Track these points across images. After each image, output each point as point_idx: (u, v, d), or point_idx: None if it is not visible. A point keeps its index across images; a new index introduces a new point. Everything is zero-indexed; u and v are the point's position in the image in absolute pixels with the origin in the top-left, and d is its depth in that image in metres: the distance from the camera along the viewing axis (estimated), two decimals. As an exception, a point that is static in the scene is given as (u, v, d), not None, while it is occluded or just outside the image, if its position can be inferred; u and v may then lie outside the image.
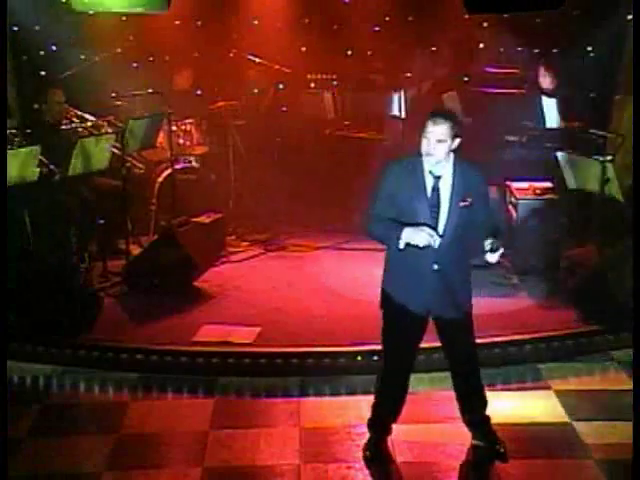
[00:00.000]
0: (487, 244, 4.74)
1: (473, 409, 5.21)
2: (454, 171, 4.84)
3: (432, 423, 5.53)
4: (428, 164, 4.81)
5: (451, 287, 4.92)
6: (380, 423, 5.22)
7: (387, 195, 4.86)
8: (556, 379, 6.10)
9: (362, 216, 5.10)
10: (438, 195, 4.82)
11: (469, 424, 5.24)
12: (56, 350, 6.46)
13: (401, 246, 4.72)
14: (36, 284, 6.66)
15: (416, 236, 4.69)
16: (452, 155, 4.83)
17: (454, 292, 4.95)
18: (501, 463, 5.03)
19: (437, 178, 4.83)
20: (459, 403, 5.23)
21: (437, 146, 4.73)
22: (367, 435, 5.24)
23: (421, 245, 4.70)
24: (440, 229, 4.82)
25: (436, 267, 4.84)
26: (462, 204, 4.82)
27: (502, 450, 5.10)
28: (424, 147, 4.77)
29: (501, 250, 4.73)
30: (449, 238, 4.81)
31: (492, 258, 4.75)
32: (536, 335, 6.48)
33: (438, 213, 4.82)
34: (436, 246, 4.77)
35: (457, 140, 4.79)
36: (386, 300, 5.02)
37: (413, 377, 5.95)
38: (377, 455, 5.16)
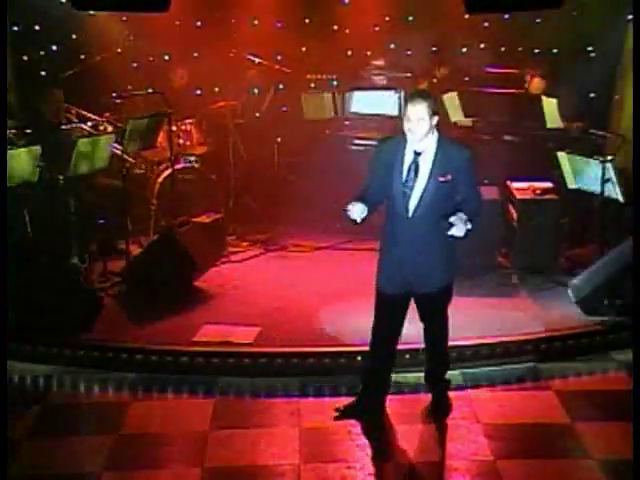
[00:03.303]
0: (453, 218, 4.98)
1: (436, 370, 5.68)
2: (437, 148, 5.15)
3: (432, 423, 5.53)
4: (411, 142, 5.13)
5: (428, 260, 5.22)
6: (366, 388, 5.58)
7: (374, 169, 5.30)
8: (556, 379, 6.10)
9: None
10: (416, 169, 5.14)
11: (429, 381, 5.72)
12: (56, 350, 6.46)
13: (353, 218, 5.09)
14: (36, 284, 6.66)
15: (350, 211, 5.07)
16: (436, 133, 5.17)
17: (430, 266, 5.24)
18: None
19: (417, 154, 5.15)
20: (426, 367, 5.73)
21: (418, 124, 5.06)
22: (367, 430, 5.34)
23: (356, 219, 5.07)
24: (414, 202, 5.15)
25: (408, 239, 5.18)
26: (441, 179, 5.12)
27: (447, 408, 5.59)
28: (406, 127, 5.11)
29: (468, 226, 4.99)
30: (423, 210, 5.14)
31: (456, 232, 5.00)
32: (536, 335, 6.48)
33: (413, 187, 5.13)
34: (410, 215, 5.15)
35: (435, 118, 5.12)
36: (377, 272, 5.40)
37: (413, 377, 6.00)
38: (358, 413, 5.51)
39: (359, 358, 6.16)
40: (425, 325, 5.55)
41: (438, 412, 5.59)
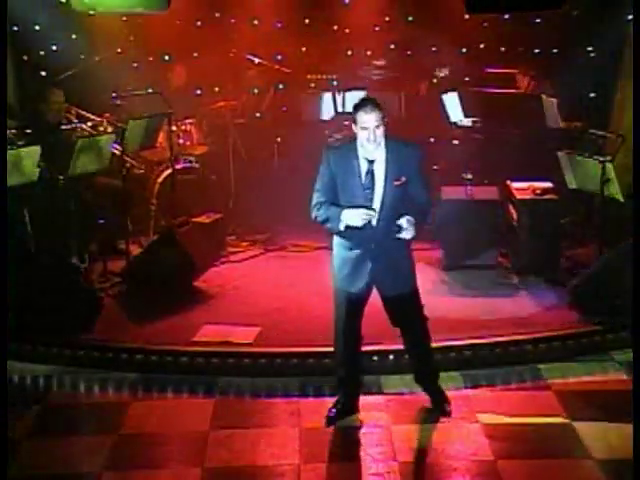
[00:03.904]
0: (401, 221, 4.98)
1: (423, 373, 5.63)
2: (387, 153, 5.11)
3: (432, 423, 5.53)
4: (367, 151, 5.08)
5: (393, 264, 5.23)
6: (344, 387, 5.58)
7: (327, 181, 5.19)
8: (556, 379, 6.10)
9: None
10: (372, 177, 5.12)
11: (420, 383, 5.67)
12: (56, 350, 6.46)
13: (341, 227, 5.08)
14: (36, 284, 6.66)
15: (353, 216, 5.02)
16: (384, 138, 5.10)
17: (396, 268, 5.26)
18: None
19: (371, 162, 5.11)
20: (413, 369, 5.68)
21: (377, 132, 5.03)
22: (367, 431, 5.35)
23: (359, 225, 5.03)
24: (375, 209, 5.12)
25: (374, 246, 5.15)
26: (397, 183, 5.12)
27: (448, 409, 5.55)
28: (366, 137, 5.04)
29: (412, 230, 4.98)
30: (385, 217, 5.11)
31: (405, 234, 5.00)
32: (536, 335, 6.48)
33: (373, 195, 5.12)
34: (374, 223, 5.10)
35: (385, 120, 5.08)
36: (334, 279, 5.36)
37: (412, 378, 5.99)
38: (340, 416, 5.49)
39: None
40: (402, 329, 5.51)
41: (438, 411, 5.58)
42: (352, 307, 5.36)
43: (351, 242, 5.20)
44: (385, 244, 5.15)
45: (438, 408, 5.59)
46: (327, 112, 9.97)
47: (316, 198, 5.21)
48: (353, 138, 5.15)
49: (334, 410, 5.52)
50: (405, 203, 5.12)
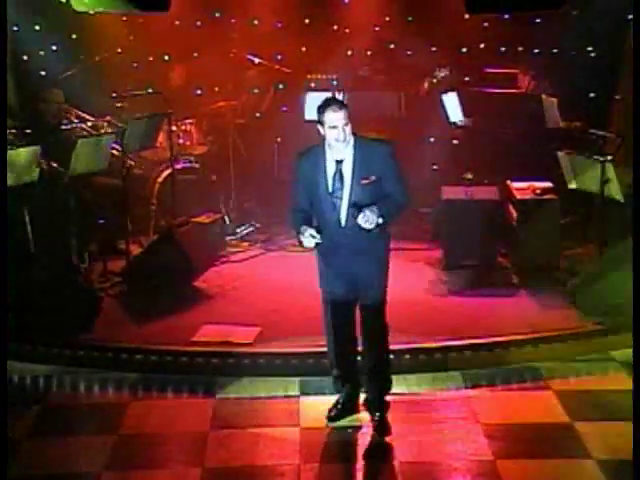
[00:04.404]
0: (365, 209, 4.88)
1: (373, 387, 5.44)
2: (354, 152, 5.05)
3: (432, 423, 5.53)
4: (336, 151, 5.04)
5: (367, 266, 5.14)
6: (341, 387, 5.53)
7: (300, 185, 5.19)
8: (556, 379, 6.10)
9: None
10: (341, 178, 5.06)
11: (367, 400, 5.47)
12: (56, 350, 6.46)
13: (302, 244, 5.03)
14: (36, 284, 6.66)
15: (302, 238, 4.99)
16: (352, 137, 5.05)
17: (370, 271, 5.16)
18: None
19: (339, 162, 5.06)
20: (364, 379, 5.48)
21: (346, 130, 4.99)
22: (367, 430, 5.33)
23: (311, 246, 5.00)
24: (344, 210, 5.07)
25: (344, 248, 5.08)
26: (364, 182, 5.03)
27: (384, 433, 5.28)
28: (335, 136, 4.99)
29: (379, 220, 4.88)
30: (354, 218, 4.97)
31: (362, 221, 4.88)
32: (536, 335, 6.48)
33: (341, 196, 5.05)
34: (343, 223, 5.06)
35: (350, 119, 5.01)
36: (321, 281, 5.35)
37: (413, 377, 6.00)
38: (340, 416, 5.43)
39: (358, 358, 6.15)
40: (363, 336, 5.41)
41: (378, 432, 5.33)
42: (335, 308, 5.33)
43: (325, 243, 5.11)
44: (355, 245, 5.09)
45: (376, 426, 5.35)
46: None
47: (292, 205, 5.23)
48: (323, 142, 5.09)
49: (334, 410, 5.51)
50: (378, 202, 5.02)
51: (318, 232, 5.00)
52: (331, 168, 5.09)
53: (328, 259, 5.24)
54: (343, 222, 5.10)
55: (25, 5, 8.69)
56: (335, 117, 4.97)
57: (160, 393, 6.06)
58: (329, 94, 9.46)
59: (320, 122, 5.05)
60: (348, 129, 5.01)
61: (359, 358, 5.54)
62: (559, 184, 7.80)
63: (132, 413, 5.75)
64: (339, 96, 9.64)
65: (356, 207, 4.99)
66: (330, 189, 5.08)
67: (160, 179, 8.69)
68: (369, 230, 4.94)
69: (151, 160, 8.95)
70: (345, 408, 5.52)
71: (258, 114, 10.00)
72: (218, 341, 6.49)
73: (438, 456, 5.16)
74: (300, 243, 5.08)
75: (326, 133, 5.03)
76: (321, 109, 5.04)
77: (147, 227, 8.61)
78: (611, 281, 6.74)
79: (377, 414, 5.36)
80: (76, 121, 8.31)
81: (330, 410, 5.51)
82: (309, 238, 4.97)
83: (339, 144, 5.01)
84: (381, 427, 5.32)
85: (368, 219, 4.89)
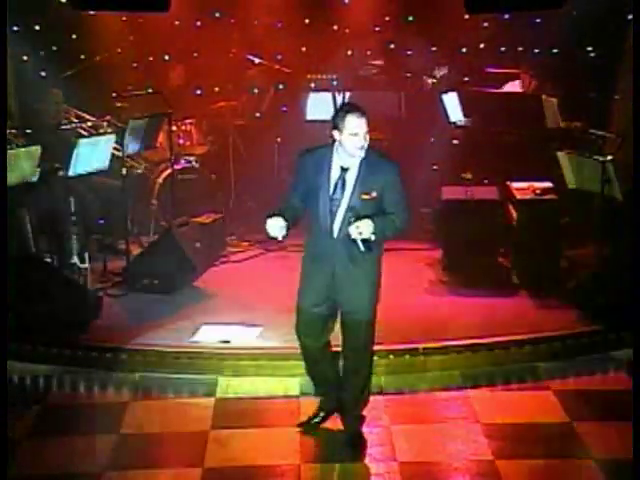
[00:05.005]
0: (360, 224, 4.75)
1: (347, 399, 5.27)
2: (361, 164, 4.89)
3: (432, 423, 5.53)
4: (344, 157, 4.87)
5: (355, 281, 4.97)
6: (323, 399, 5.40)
7: (298, 182, 5.02)
8: (556, 379, 6.10)
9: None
10: (343, 186, 4.91)
11: (341, 411, 5.31)
12: (56, 350, 6.46)
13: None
14: (36, 284, 6.66)
15: (269, 221, 4.81)
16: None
17: (358, 286, 4.98)
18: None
19: (344, 170, 4.90)
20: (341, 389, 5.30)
21: (366, 137, 4.82)
22: (367, 431, 5.32)
23: (276, 235, 4.82)
24: (339, 220, 4.91)
25: (334, 260, 4.94)
26: (365, 197, 4.88)
27: (355, 446, 5.16)
28: (357, 144, 4.81)
29: (372, 236, 4.76)
30: (349, 223, 4.82)
31: (354, 232, 4.76)
32: (536, 335, 6.48)
33: (339, 205, 4.90)
34: (335, 235, 4.91)
35: None
36: (301, 292, 5.16)
37: (413, 377, 5.99)
38: (314, 426, 5.35)
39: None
40: (343, 351, 5.22)
41: (351, 447, 5.19)
42: (305, 323, 5.13)
43: (314, 252, 5.04)
44: (347, 259, 4.94)
45: (351, 444, 5.22)
46: (327, 111, 9.96)
47: (287, 194, 5.08)
48: (330, 143, 4.93)
49: (314, 419, 5.40)
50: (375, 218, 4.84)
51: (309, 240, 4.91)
52: (335, 173, 4.91)
53: (315, 269, 5.05)
54: (336, 233, 4.93)
55: (25, 5, 8.68)
56: (358, 123, 4.77)
57: (160, 393, 6.06)
58: (331, 94, 9.57)
59: (337, 127, 4.83)
60: (368, 137, 4.82)
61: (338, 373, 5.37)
62: (559, 184, 7.80)
63: (132, 413, 5.75)
64: (339, 96, 9.68)
65: (354, 212, 4.84)
66: (330, 196, 4.91)
67: (160, 179, 8.69)
68: (357, 246, 4.80)
69: (151, 160, 8.95)
70: (325, 418, 5.41)
71: (258, 114, 10.00)
72: (218, 341, 6.49)
73: (438, 456, 5.16)
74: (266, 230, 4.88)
75: (344, 139, 4.82)
76: (342, 113, 4.85)
77: (147, 227, 8.61)
78: (611, 281, 6.74)
79: (350, 427, 5.26)
80: (76, 121, 8.31)
81: (310, 418, 5.41)
82: (275, 226, 4.80)
83: (359, 151, 4.81)
84: (355, 440, 5.21)
85: (361, 230, 4.76)
